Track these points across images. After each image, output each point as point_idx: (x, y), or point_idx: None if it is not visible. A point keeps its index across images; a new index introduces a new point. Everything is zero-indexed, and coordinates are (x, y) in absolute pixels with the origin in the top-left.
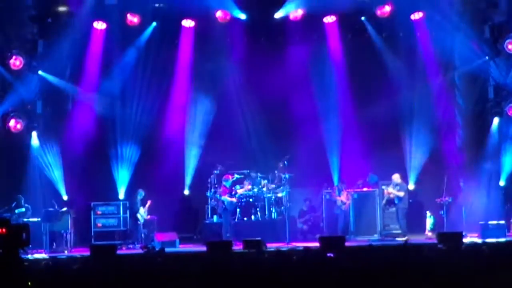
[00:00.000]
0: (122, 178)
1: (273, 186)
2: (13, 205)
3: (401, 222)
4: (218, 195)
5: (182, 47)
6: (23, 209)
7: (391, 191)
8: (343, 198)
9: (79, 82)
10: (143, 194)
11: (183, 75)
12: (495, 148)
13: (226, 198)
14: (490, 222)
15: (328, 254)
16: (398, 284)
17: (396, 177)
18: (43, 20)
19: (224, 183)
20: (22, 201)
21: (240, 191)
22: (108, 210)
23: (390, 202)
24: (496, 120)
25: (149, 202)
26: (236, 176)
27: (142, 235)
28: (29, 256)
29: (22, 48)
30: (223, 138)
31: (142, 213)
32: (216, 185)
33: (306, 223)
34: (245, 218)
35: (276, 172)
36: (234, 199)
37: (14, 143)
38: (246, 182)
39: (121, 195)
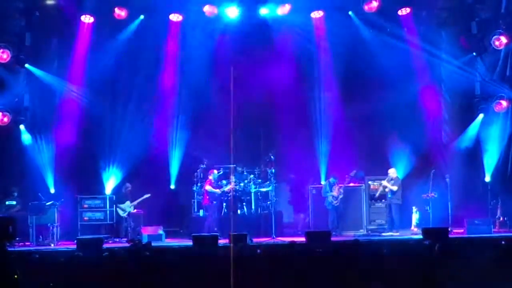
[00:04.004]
0: (109, 172)
1: (259, 180)
2: None
3: (394, 217)
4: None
5: (169, 41)
6: (14, 202)
7: (386, 184)
8: (335, 193)
9: (66, 75)
10: (129, 187)
11: (170, 69)
12: (477, 144)
13: (209, 187)
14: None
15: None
16: (383, 278)
17: (392, 171)
18: (31, 13)
19: (209, 177)
20: (15, 194)
21: (226, 188)
22: (95, 203)
23: (382, 196)
24: (480, 116)
25: (147, 195)
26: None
27: (129, 228)
28: (16, 249)
29: (9, 41)
30: (210, 132)
31: (125, 206)
32: (203, 180)
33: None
34: (231, 213)
35: (262, 166)
36: (218, 190)
37: (1, 136)
38: (232, 177)
39: (108, 190)
